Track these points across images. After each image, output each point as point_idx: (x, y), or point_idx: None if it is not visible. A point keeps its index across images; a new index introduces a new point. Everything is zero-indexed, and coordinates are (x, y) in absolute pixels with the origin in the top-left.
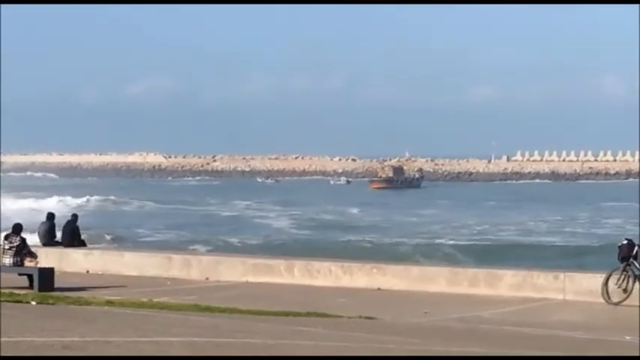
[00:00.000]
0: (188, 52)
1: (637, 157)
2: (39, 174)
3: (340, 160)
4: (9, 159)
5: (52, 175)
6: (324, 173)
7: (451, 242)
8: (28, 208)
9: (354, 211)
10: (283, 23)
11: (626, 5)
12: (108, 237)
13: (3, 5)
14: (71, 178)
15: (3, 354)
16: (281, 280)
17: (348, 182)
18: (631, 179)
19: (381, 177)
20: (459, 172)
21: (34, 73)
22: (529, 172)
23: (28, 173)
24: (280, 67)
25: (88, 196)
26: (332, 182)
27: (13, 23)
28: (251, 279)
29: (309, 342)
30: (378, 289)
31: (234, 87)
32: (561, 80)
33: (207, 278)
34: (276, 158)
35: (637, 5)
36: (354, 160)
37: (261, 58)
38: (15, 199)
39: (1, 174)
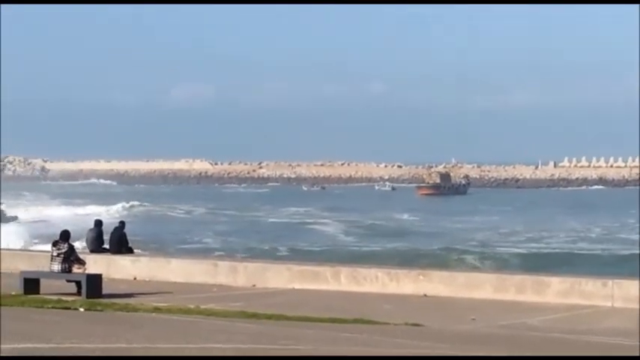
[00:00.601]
0: (230, 58)
1: None
2: (97, 180)
3: (386, 166)
4: (56, 166)
5: (111, 182)
6: (369, 180)
7: (499, 249)
8: (76, 215)
9: (404, 217)
10: (321, 29)
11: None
12: (155, 244)
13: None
14: (130, 185)
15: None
16: (327, 287)
17: (393, 189)
18: None
19: (428, 183)
20: (506, 179)
21: (81, 79)
22: (576, 179)
23: (93, 180)
24: (322, 72)
25: (133, 203)
26: (377, 187)
27: (46, 26)
28: (297, 286)
29: (355, 348)
30: (425, 295)
31: (277, 93)
32: (608, 83)
33: (253, 285)
34: (322, 165)
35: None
36: (399, 166)
37: (303, 65)
38: (63, 205)
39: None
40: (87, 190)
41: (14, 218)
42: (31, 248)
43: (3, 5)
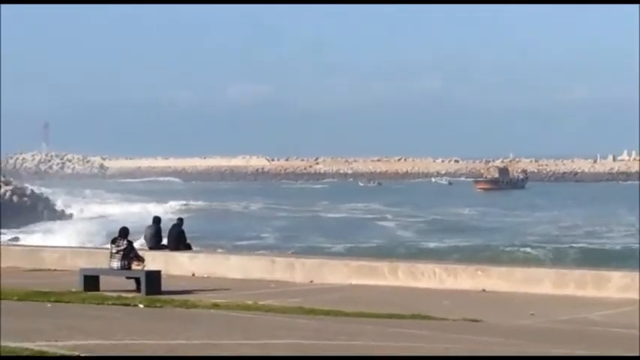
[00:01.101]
0: (284, 55)
1: None
2: (159, 178)
3: (443, 161)
4: (115, 164)
5: (171, 178)
6: (426, 175)
7: (559, 244)
8: (134, 212)
9: (464, 211)
10: (377, 25)
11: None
12: (213, 240)
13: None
14: (188, 182)
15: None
16: (385, 283)
17: (450, 183)
18: None
19: (486, 178)
20: (564, 173)
21: (138, 79)
22: (636, 172)
23: (153, 178)
24: (377, 69)
25: (191, 200)
26: (433, 180)
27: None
28: (355, 281)
29: (413, 344)
30: (483, 290)
31: (333, 90)
32: None
33: (311, 281)
34: (379, 160)
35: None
36: (456, 161)
37: (360, 62)
38: (121, 203)
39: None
40: (145, 188)
41: (71, 216)
42: (90, 246)
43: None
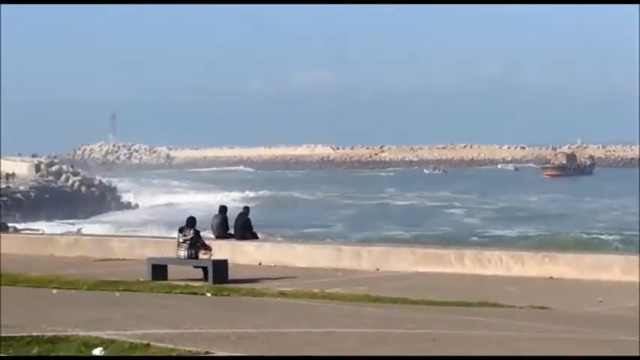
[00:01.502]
0: (350, 41)
1: None
2: (234, 167)
3: (509, 148)
4: (181, 154)
5: (249, 168)
6: (492, 162)
7: (628, 230)
8: (201, 201)
9: (532, 198)
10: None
11: None
12: (279, 229)
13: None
14: (254, 171)
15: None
16: (451, 270)
17: (516, 169)
18: None
19: (553, 164)
20: (632, 158)
21: (203, 68)
22: None
23: (232, 167)
24: (441, 57)
25: (258, 189)
26: (499, 167)
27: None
28: (421, 269)
29: (480, 332)
30: (550, 278)
31: (396, 76)
32: None
33: (377, 269)
34: (444, 147)
35: None
36: (522, 147)
37: (423, 49)
38: (188, 192)
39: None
40: (213, 177)
41: (138, 206)
42: (158, 235)
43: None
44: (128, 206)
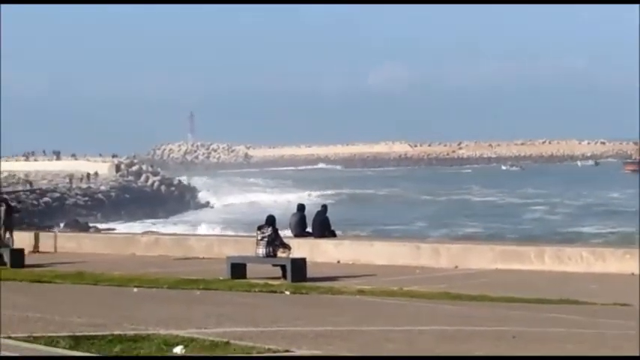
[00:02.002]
0: (422, 40)
1: None
2: (313, 166)
3: (589, 143)
4: (258, 152)
5: (332, 166)
6: (572, 158)
7: None
8: (279, 200)
9: (614, 195)
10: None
11: None
12: (357, 226)
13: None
14: (333, 169)
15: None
16: (531, 267)
17: (597, 164)
18: None
19: (635, 159)
20: None
21: (280, 68)
22: None
23: (319, 165)
24: (520, 51)
25: (335, 189)
26: (579, 164)
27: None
28: (500, 266)
29: (561, 329)
30: (632, 274)
31: (472, 73)
32: None
33: (456, 266)
34: (522, 144)
35: None
36: (603, 142)
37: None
38: (266, 190)
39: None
40: (290, 175)
41: (216, 205)
42: (237, 234)
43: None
44: (207, 205)
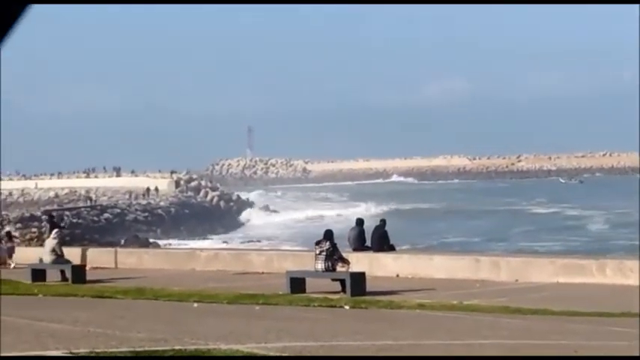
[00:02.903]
0: (479, 51)
1: None
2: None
3: None
4: (317, 167)
5: (411, 179)
6: (633, 170)
7: None
8: (338, 215)
9: None
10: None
11: None
12: (416, 241)
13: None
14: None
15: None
16: (593, 280)
17: None
18: None
19: None
20: None
21: (337, 82)
22: None
23: (393, 178)
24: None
25: (393, 203)
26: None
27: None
28: (561, 280)
29: (623, 343)
30: None
31: (531, 83)
32: None
33: (516, 280)
34: (583, 156)
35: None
36: None
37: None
38: (324, 205)
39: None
40: (349, 189)
41: (276, 220)
42: (296, 248)
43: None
44: (266, 220)
